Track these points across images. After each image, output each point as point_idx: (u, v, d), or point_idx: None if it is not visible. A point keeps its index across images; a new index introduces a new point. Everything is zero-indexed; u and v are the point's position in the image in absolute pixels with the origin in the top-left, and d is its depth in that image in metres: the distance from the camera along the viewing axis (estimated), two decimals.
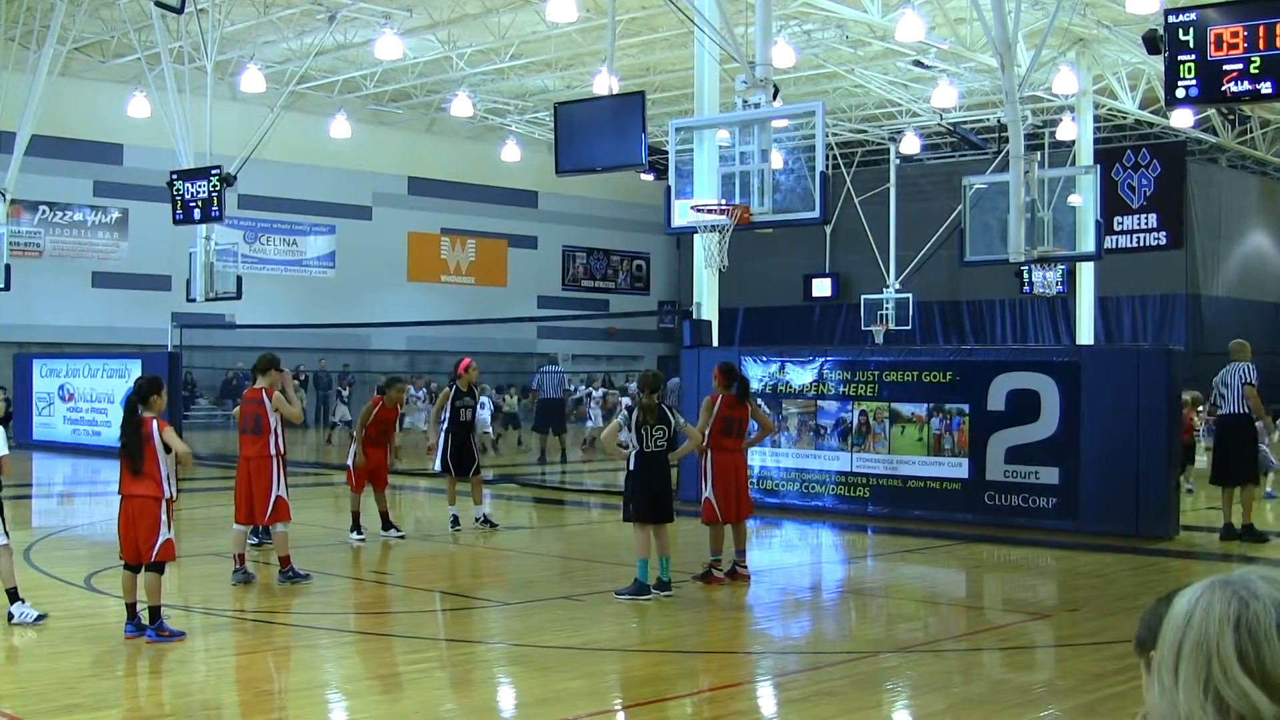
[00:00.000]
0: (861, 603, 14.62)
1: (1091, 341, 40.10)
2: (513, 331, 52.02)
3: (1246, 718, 2.02)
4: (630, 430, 13.55)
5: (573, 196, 54.84)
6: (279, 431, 14.36)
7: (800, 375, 21.36)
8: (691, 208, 18.19)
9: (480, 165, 53.43)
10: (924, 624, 13.29)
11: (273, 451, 14.24)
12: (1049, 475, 18.73)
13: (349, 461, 18.42)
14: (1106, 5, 33.62)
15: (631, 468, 13.64)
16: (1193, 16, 15.74)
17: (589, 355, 58.63)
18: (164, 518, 11.07)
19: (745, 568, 14.77)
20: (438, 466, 19.51)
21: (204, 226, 29.90)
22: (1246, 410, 18.03)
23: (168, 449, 11.10)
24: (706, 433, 14.55)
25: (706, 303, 23.35)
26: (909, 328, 47.68)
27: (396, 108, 48.68)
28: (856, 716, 9.33)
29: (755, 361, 21.65)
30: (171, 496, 11.17)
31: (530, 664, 10.75)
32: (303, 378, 45.99)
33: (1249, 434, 18.37)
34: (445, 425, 19.02)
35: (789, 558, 17.78)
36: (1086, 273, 39.66)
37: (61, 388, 34.70)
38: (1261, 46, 15.18)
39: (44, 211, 43.64)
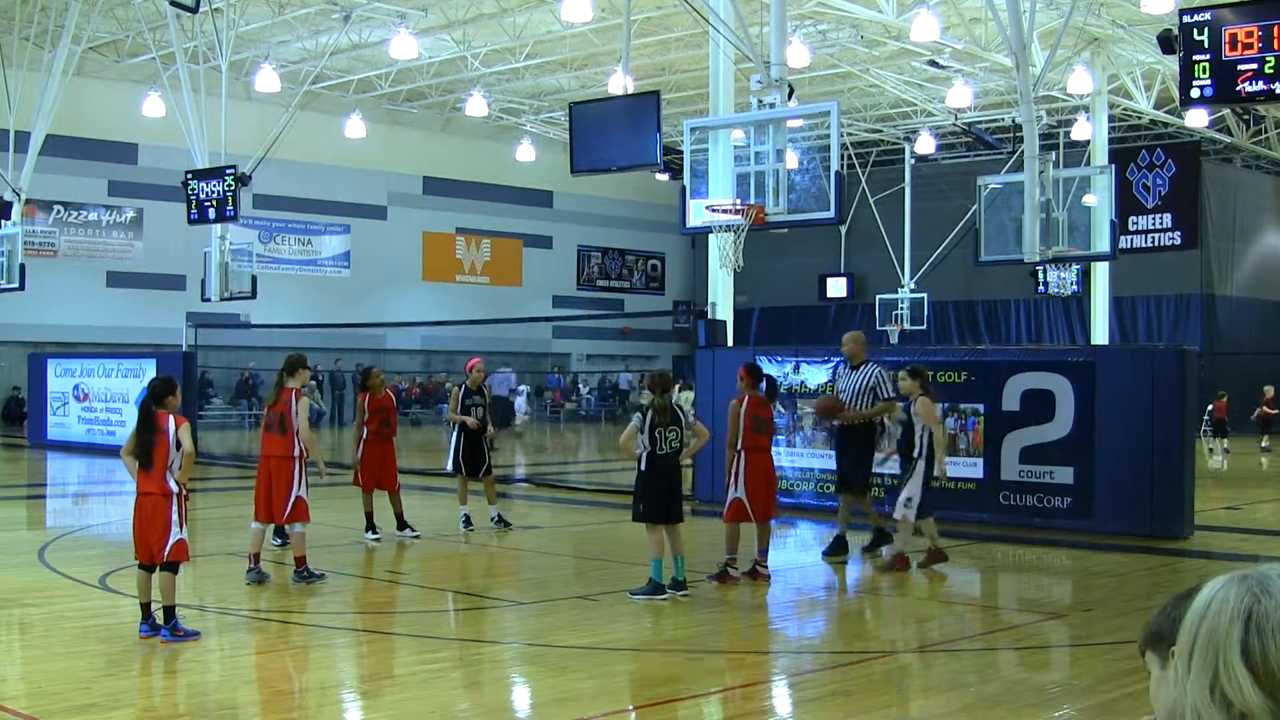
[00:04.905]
0: (876, 602, 14.61)
1: (1106, 341, 40.09)
2: (528, 331, 52.11)
3: (1246, 714, 2.03)
4: (644, 432, 13.50)
5: (588, 196, 54.89)
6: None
7: (815, 375, 21.35)
8: (706, 208, 18.18)
9: (495, 165, 53.50)
10: (939, 623, 13.28)
11: (296, 452, 14.24)
12: (1064, 475, 18.70)
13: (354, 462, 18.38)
14: (1121, 5, 33.59)
15: (643, 468, 13.59)
16: (1207, 16, 15.70)
17: (604, 355, 58.68)
18: (175, 517, 11.05)
19: (766, 568, 14.75)
20: (450, 467, 19.46)
21: (219, 226, 29.96)
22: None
23: (179, 445, 11.09)
24: (740, 435, 14.56)
25: (721, 302, 23.36)
26: (924, 328, 47.66)
27: (411, 107, 48.76)
28: (872, 716, 9.32)
29: (770, 361, 21.61)
30: (180, 492, 11.13)
31: (545, 664, 10.75)
32: (319, 378, 46.10)
33: (869, 443, 16.96)
34: (455, 425, 19.02)
35: (804, 557, 17.75)
36: (1101, 273, 39.65)
37: (76, 387, 34.76)
38: (1276, 46, 15.14)
39: (59, 211, 43.79)
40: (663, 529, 13.47)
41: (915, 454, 15.34)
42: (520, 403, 40.08)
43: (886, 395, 16.55)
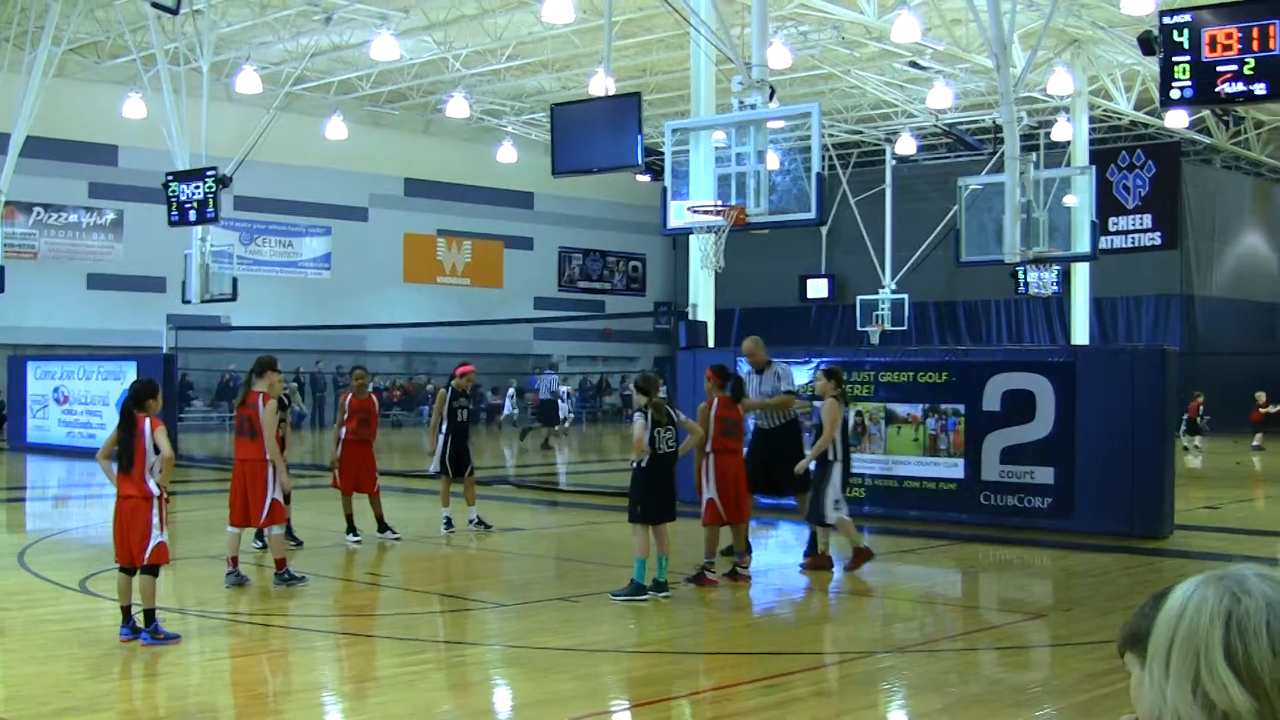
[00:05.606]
0: (857, 603, 14.62)
1: (1086, 342, 40.17)
2: (509, 333, 52.02)
3: (1230, 715, 2.02)
4: (647, 431, 13.47)
5: (569, 198, 54.83)
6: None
7: (796, 376, 21.33)
8: (688, 209, 18.19)
9: (476, 166, 53.43)
10: (920, 624, 13.29)
11: (269, 455, 14.18)
12: (1044, 475, 18.74)
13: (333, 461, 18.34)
14: (1101, 6, 33.67)
15: (643, 468, 13.58)
16: (1187, 18, 15.78)
17: (585, 356, 58.66)
18: (155, 520, 11.01)
19: (746, 569, 14.75)
20: (435, 468, 19.43)
21: (199, 228, 29.89)
22: (787, 418, 16.51)
23: (157, 449, 11.07)
24: (710, 437, 14.53)
25: (702, 304, 23.35)
26: (905, 328, 47.69)
27: (392, 109, 48.70)
28: (853, 716, 9.34)
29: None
30: (160, 495, 11.10)
31: (527, 665, 10.75)
32: (300, 380, 46.02)
33: (794, 443, 16.43)
34: (444, 426, 19.00)
35: (785, 558, 17.76)
36: (1081, 273, 39.73)
37: (56, 390, 34.64)
38: (1255, 48, 15.21)
39: (39, 213, 43.62)
40: (651, 530, 13.47)
41: (830, 456, 15.19)
42: (564, 407, 41.31)
43: (783, 390, 16.39)
